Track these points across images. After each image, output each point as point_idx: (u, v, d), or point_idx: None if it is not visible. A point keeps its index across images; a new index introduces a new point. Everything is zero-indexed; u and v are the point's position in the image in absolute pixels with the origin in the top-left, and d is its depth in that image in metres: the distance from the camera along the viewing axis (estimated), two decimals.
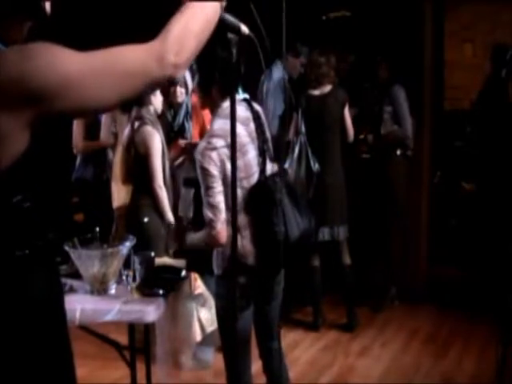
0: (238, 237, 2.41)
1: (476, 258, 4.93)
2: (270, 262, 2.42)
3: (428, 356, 4.06)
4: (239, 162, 2.31)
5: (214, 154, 2.31)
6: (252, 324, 2.63)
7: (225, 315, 2.51)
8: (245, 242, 2.43)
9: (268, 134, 2.56)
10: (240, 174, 2.34)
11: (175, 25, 1.28)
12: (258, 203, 2.39)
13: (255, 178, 2.44)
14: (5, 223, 1.20)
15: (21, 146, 1.16)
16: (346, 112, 4.33)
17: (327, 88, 4.33)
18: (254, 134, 2.46)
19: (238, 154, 2.26)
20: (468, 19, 6.83)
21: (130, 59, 1.23)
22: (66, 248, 2.39)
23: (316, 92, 4.34)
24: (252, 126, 2.45)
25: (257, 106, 2.56)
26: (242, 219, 2.40)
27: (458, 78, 6.70)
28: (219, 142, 2.32)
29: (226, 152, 2.30)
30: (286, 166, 4.20)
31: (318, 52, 4.36)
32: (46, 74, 1.15)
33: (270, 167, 2.50)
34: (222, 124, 2.34)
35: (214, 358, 3.78)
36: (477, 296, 4.67)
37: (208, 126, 3.05)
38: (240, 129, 2.34)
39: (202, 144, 2.37)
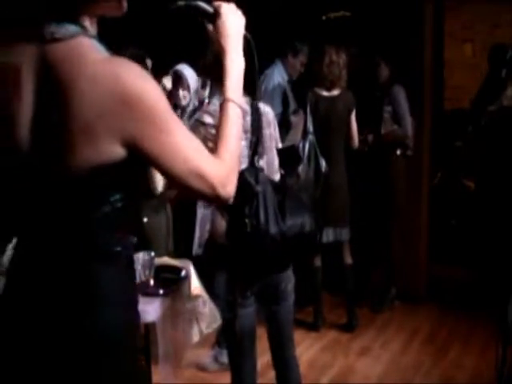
0: (218, 216, 2.47)
1: (476, 257, 4.94)
2: (241, 252, 2.36)
3: (428, 356, 4.07)
4: None
5: (201, 129, 2.39)
6: (255, 322, 2.62)
7: (225, 312, 2.51)
8: (222, 222, 2.45)
9: (268, 133, 2.56)
10: None
11: (227, 152, 1.40)
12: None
13: (242, 167, 2.44)
14: (101, 221, 1.26)
15: (113, 156, 1.23)
16: (353, 117, 4.25)
17: (337, 90, 4.24)
18: (249, 128, 2.46)
19: None
20: (468, 19, 6.83)
21: (203, 160, 1.33)
22: None
23: (325, 93, 4.23)
24: (248, 119, 2.44)
25: (264, 107, 2.58)
26: None
27: (458, 78, 6.70)
28: (208, 119, 2.41)
29: (211, 132, 2.33)
30: (300, 170, 4.17)
31: (335, 52, 4.21)
32: (157, 106, 1.25)
33: (263, 163, 2.49)
34: (218, 105, 2.40)
35: None
36: (477, 296, 4.67)
37: None
38: None
39: (194, 116, 2.49)
